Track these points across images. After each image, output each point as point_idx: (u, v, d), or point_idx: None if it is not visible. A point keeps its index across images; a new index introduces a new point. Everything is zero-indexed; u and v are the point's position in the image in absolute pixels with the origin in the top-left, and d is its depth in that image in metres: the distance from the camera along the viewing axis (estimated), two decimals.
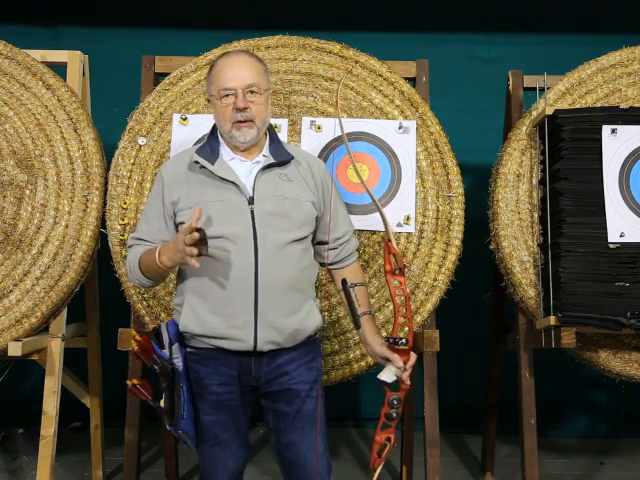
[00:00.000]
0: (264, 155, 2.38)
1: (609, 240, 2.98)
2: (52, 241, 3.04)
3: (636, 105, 3.16)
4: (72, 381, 3.41)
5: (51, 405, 3.05)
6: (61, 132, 3.13)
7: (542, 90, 3.22)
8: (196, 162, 2.35)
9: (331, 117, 3.11)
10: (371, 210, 3.06)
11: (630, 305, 2.91)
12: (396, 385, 2.33)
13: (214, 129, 2.45)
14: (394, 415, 2.30)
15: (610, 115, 3.06)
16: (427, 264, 3.06)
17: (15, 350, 2.90)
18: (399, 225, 3.06)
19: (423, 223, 3.08)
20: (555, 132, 3.08)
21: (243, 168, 2.36)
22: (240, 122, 2.30)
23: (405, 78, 3.21)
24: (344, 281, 2.38)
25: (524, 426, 3.11)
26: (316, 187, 2.42)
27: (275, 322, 2.28)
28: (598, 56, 3.26)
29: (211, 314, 2.28)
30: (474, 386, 3.98)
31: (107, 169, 3.13)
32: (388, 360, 2.32)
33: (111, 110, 3.72)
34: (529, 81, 3.29)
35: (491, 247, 3.16)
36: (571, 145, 3.03)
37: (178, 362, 2.30)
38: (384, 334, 2.72)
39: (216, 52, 3.18)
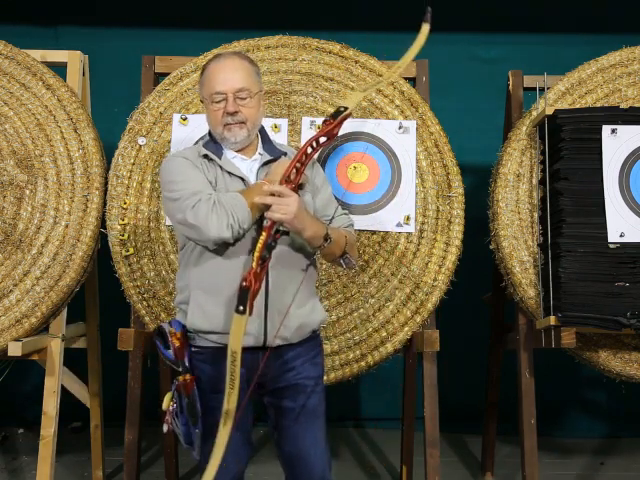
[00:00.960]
0: (260, 153, 2.41)
1: (609, 240, 2.98)
2: (52, 241, 3.04)
3: (636, 105, 3.16)
4: (72, 381, 3.40)
5: (51, 405, 3.05)
6: (61, 132, 3.13)
7: (542, 90, 3.22)
8: (204, 156, 2.36)
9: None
10: (371, 210, 3.07)
11: (630, 305, 2.91)
12: None
13: None
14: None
15: (610, 115, 3.06)
16: (427, 264, 3.06)
17: (15, 350, 2.90)
18: (399, 225, 3.06)
19: (423, 223, 3.08)
20: (555, 132, 3.08)
21: (244, 166, 2.39)
22: (230, 124, 2.32)
23: (405, 78, 3.21)
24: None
25: (524, 426, 3.11)
26: (308, 177, 2.44)
27: (284, 317, 2.27)
28: (598, 56, 3.26)
29: (219, 310, 2.27)
30: (474, 386, 3.98)
31: (107, 169, 3.13)
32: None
33: (111, 110, 3.72)
34: (529, 81, 3.29)
35: (491, 247, 3.16)
36: (571, 145, 3.03)
37: (187, 362, 2.30)
38: None
39: (216, 52, 3.17)
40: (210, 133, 2.45)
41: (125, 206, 3.06)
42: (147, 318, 3.02)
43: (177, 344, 2.27)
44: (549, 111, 3.06)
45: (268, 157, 2.39)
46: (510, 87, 3.33)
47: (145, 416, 3.14)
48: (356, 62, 3.19)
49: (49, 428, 3.04)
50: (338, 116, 2.36)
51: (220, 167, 2.34)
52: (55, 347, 3.08)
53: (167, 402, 2.33)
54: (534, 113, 3.18)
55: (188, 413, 2.28)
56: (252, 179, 2.35)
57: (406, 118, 3.15)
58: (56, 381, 3.07)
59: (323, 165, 3.06)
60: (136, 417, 3.07)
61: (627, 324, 2.88)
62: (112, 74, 4.12)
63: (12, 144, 3.11)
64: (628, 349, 3.10)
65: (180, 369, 2.29)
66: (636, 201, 3.03)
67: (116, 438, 3.53)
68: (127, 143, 3.12)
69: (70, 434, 4.26)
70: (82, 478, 3.76)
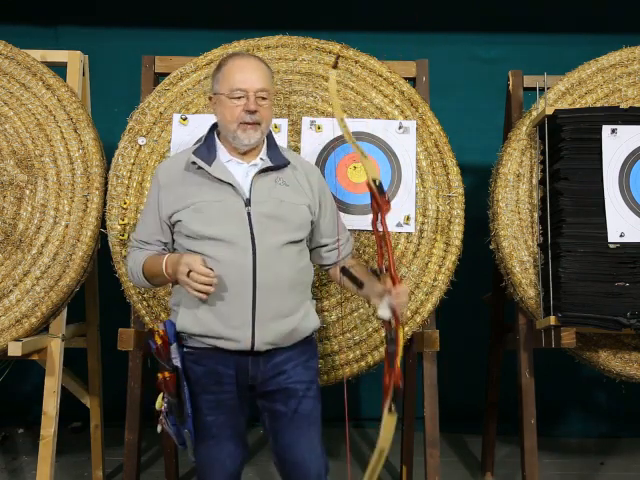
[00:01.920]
0: (261, 158, 2.40)
1: (609, 240, 2.98)
2: (52, 241, 3.04)
3: (636, 105, 3.16)
4: (72, 381, 3.40)
5: (51, 405, 3.05)
6: (61, 132, 3.13)
7: (542, 90, 3.22)
8: (193, 163, 2.36)
9: (331, 117, 3.11)
10: (371, 210, 3.06)
11: (630, 305, 2.91)
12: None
13: (211, 130, 2.45)
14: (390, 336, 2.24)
15: (610, 115, 3.06)
16: (427, 264, 3.06)
17: (15, 350, 2.90)
18: (399, 225, 3.06)
19: (423, 223, 3.08)
20: (555, 132, 3.08)
21: (240, 170, 2.37)
22: (247, 124, 2.32)
23: (405, 78, 3.21)
24: (343, 268, 2.41)
25: (524, 426, 3.11)
26: (312, 192, 2.44)
27: (272, 322, 2.28)
28: (598, 56, 3.26)
29: (208, 314, 2.29)
30: (474, 386, 3.98)
31: (107, 169, 3.13)
32: (385, 295, 2.24)
33: (111, 110, 3.72)
34: (529, 81, 3.29)
35: (491, 247, 3.16)
36: (571, 145, 3.03)
37: (177, 362, 2.30)
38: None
39: (216, 52, 3.18)
40: (207, 134, 2.44)
41: (125, 206, 3.06)
42: (147, 318, 3.02)
43: (159, 342, 2.28)
44: (549, 111, 3.06)
45: (269, 164, 2.38)
46: (510, 87, 3.32)
47: (145, 416, 3.14)
48: (356, 62, 3.19)
49: (49, 428, 3.04)
50: (377, 188, 2.30)
51: (209, 174, 2.34)
52: (55, 347, 3.08)
53: (159, 402, 2.34)
54: (534, 113, 3.18)
55: (174, 412, 2.29)
56: (246, 185, 2.34)
57: (406, 118, 3.15)
58: (56, 381, 3.07)
59: (323, 165, 3.06)
60: (136, 417, 3.07)
61: (627, 324, 2.88)
62: (112, 74, 4.12)
63: (12, 144, 3.11)
64: (628, 349, 3.10)
65: (167, 367, 2.30)
66: (636, 201, 3.03)
67: (116, 438, 3.54)
68: (127, 143, 3.12)
69: (70, 434, 4.26)
70: (82, 478, 3.76)
